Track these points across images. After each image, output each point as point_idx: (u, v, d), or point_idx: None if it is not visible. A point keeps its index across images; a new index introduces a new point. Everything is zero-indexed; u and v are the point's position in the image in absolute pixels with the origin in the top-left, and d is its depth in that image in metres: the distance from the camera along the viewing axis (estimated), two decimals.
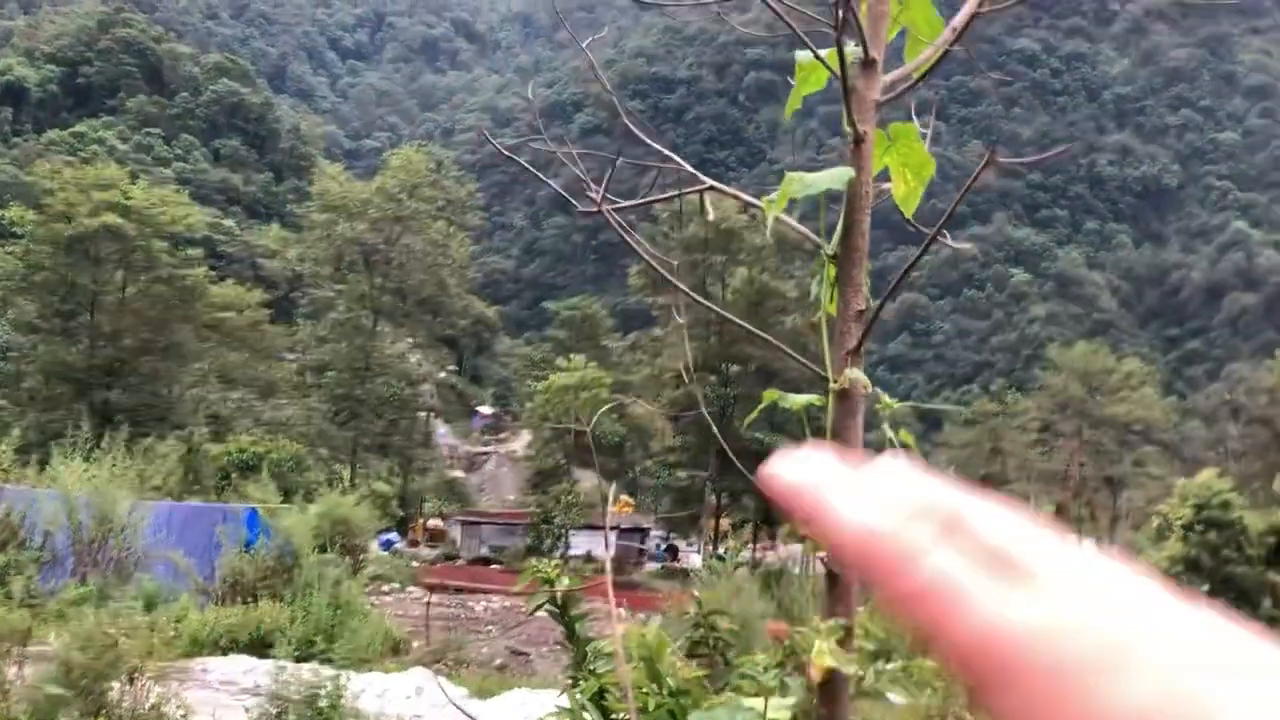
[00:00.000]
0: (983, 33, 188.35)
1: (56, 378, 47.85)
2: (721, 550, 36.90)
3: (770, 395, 1.95)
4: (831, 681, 1.78)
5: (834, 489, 0.42)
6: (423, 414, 69.52)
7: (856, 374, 1.86)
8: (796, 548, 47.18)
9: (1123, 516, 60.44)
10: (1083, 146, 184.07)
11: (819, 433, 1.88)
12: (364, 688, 11.83)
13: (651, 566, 53.18)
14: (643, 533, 58.48)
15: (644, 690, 3.13)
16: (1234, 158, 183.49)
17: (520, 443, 78.66)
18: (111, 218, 46.47)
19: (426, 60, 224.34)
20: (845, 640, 1.79)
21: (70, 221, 46.45)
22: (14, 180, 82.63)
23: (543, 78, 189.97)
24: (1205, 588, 34.37)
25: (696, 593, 4.89)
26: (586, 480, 58.97)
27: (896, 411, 2.52)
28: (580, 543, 49.70)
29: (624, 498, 62.19)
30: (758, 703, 1.76)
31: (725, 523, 53.77)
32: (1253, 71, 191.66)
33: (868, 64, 1.89)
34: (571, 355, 56.51)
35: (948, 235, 2.52)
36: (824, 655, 1.71)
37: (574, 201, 2.29)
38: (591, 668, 3.99)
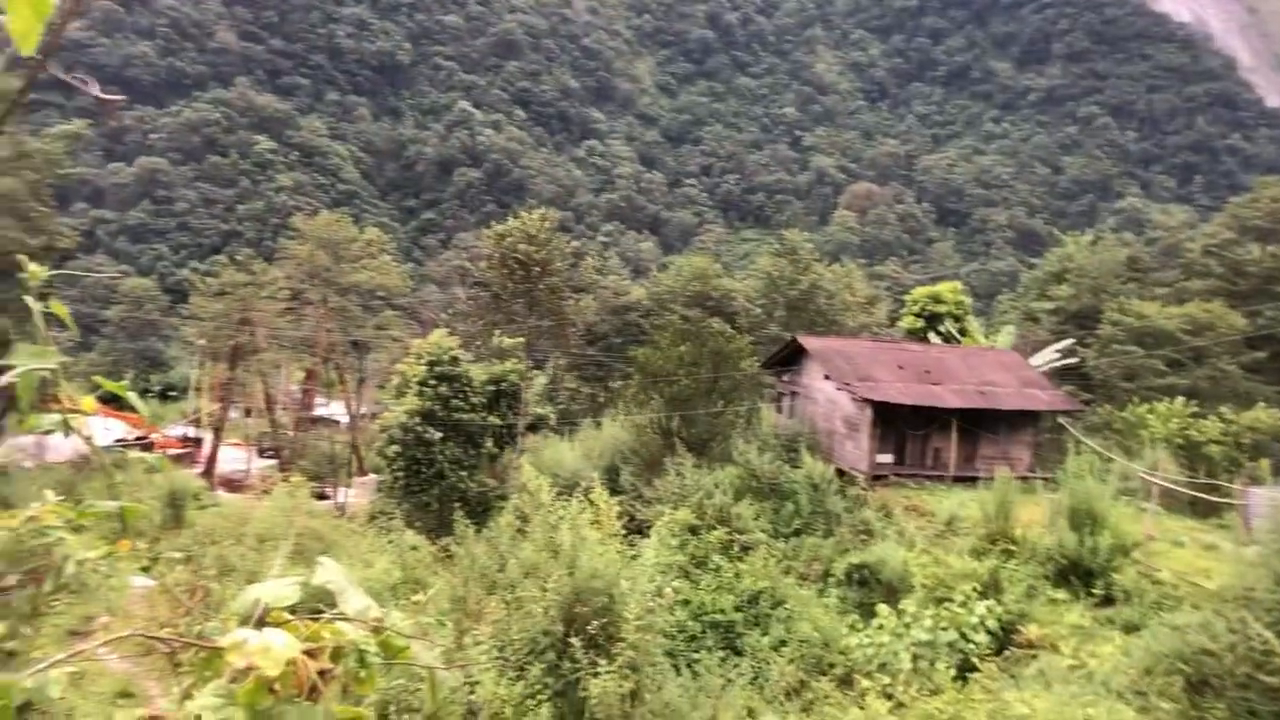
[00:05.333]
0: None
1: None
2: None
3: None
4: None
5: None
6: None
7: None
8: (25, 439, 42.35)
9: (369, 376, 64.44)
10: (321, 16, 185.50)
11: None
12: None
13: None
14: None
15: None
16: (459, 40, 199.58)
17: None
18: None
19: None
20: None
21: None
22: None
23: None
24: (439, 435, 38.40)
25: None
26: None
27: (49, 278, 2.37)
28: None
29: None
30: None
31: None
32: None
33: None
34: None
35: (94, 84, 2.37)
36: None
37: None
38: None
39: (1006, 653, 16.00)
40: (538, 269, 50.86)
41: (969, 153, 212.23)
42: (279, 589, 2.15)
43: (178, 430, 61.98)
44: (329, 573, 2.31)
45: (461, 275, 67.81)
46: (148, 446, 50.04)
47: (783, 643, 19.45)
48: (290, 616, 2.20)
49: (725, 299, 61.68)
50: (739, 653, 19.05)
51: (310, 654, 2.05)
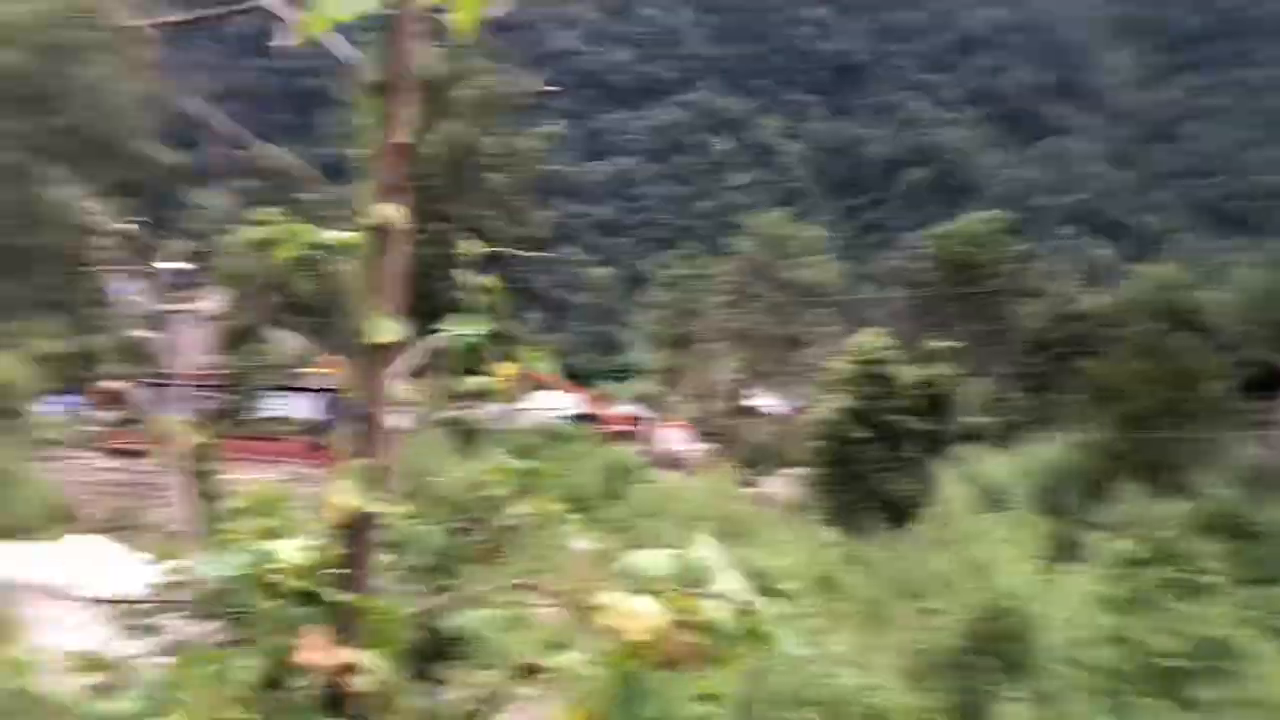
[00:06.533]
0: None
1: None
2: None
3: (302, 232, 1.94)
4: (357, 523, 1.82)
5: None
6: (100, 269, 63.52)
7: (393, 211, 1.87)
8: (500, 407, 47.65)
9: (801, 372, 65.54)
10: (785, 19, 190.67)
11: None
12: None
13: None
14: None
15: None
16: (918, 37, 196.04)
17: (212, 301, 74.18)
18: None
19: None
20: (381, 481, 1.83)
21: None
22: None
23: None
24: (866, 434, 38.24)
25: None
26: (287, 341, 56.77)
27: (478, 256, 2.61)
28: (280, 405, 48.90)
29: (334, 358, 60.28)
30: (279, 545, 1.81)
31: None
32: None
33: None
34: (269, 208, 53.25)
35: (540, 81, 2.57)
36: (344, 494, 1.74)
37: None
38: (222, 526, 3.97)
39: None
40: (980, 271, 48.86)
41: None
42: (655, 559, 2.23)
43: (627, 409, 67.01)
44: (706, 550, 2.36)
45: (899, 275, 66.71)
46: (600, 421, 54.58)
47: (1237, 701, 17.21)
48: (667, 587, 2.28)
49: (1197, 314, 55.32)
50: (1180, 704, 17.12)
51: (678, 626, 2.11)
